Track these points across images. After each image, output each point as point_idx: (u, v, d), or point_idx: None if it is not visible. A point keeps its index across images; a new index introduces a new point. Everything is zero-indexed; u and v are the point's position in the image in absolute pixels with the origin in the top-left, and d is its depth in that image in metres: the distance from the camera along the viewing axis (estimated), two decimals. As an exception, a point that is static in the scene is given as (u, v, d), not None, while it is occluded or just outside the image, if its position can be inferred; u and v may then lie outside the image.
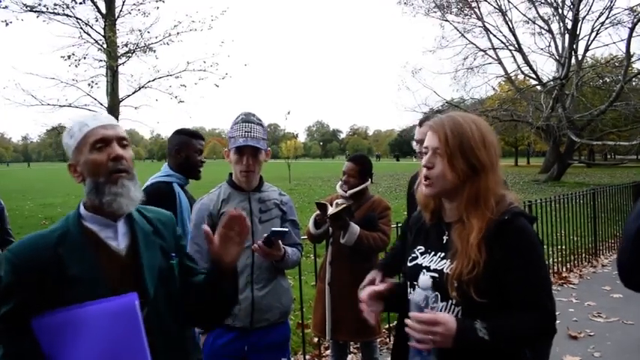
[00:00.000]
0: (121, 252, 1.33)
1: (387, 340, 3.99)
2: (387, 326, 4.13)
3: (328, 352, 3.66)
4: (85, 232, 1.31)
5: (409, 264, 1.53)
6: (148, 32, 16.50)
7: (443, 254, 1.45)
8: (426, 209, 1.53)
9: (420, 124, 2.56)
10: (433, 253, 1.48)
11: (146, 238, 1.38)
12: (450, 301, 1.38)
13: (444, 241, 1.47)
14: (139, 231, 1.37)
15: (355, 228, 2.81)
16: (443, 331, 1.27)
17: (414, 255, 1.54)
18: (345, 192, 3.03)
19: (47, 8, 15.19)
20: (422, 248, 1.53)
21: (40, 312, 1.21)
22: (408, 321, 1.32)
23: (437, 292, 1.40)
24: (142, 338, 1.24)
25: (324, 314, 2.98)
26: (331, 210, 2.78)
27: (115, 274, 1.29)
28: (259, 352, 2.20)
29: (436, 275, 1.42)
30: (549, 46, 24.83)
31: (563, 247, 6.53)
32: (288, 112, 25.41)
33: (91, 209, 1.33)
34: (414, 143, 2.57)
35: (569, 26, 22.81)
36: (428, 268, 1.45)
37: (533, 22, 24.71)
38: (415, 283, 1.43)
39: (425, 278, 1.39)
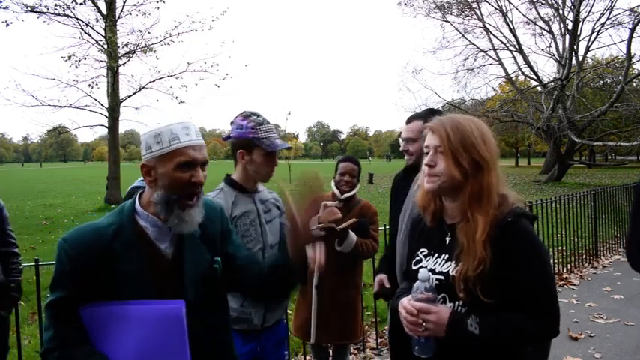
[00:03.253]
0: (168, 255, 1.36)
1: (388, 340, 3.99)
2: (387, 327, 4.13)
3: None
4: (137, 229, 1.34)
5: (414, 267, 1.53)
6: (149, 33, 16.60)
7: (447, 256, 1.45)
8: (426, 212, 1.53)
9: (409, 121, 2.46)
10: (437, 255, 1.48)
11: (193, 245, 1.40)
12: (457, 302, 1.39)
13: (447, 242, 1.48)
14: (187, 237, 1.39)
15: (353, 237, 2.78)
16: (435, 319, 1.33)
17: (418, 258, 1.54)
18: (341, 195, 2.93)
19: (48, 9, 15.26)
20: (425, 250, 1.53)
21: (88, 301, 1.26)
22: (401, 308, 1.38)
23: (444, 294, 1.41)
24: (185, 345, 1.26)
25: (308, 317, 2.89)
26: (342, 225, 2.69)
27: (160, 274, 1.33)
28: (267, 349, 2.22)
29: (442, 278, 1.42)
30: (550, 46, 24.91)
31: (564, 247, 6.53)
32: (289, 113, 25.27)
33: (149, 209, 1.35)
34: (400, 141, 2.50)
35: (570, 27, 22.81)
36: (433, 271, 1.45)
37: (534, 23, 24.77)
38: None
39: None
